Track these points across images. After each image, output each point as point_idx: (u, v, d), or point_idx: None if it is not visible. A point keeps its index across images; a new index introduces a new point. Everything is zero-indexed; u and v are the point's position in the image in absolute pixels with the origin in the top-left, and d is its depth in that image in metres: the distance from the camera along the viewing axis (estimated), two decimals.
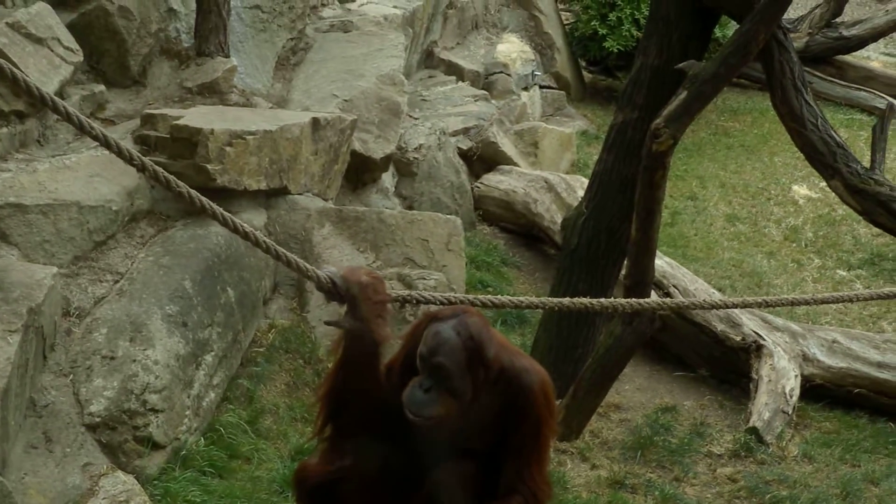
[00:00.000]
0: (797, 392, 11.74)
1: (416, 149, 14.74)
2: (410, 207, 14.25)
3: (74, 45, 10.52)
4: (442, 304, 5.49)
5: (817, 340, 12.48)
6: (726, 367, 12.42)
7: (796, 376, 11.87)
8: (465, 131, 16.18)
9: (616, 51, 20.84)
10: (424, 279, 11.08)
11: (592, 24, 21.12)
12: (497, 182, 15.71)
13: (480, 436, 4.85)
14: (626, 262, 10.24)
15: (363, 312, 4.67)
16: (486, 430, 4.84)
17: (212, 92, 11.90)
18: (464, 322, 4.76)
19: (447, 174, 15.15)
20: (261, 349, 10.32)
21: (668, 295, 12.34)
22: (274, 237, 10.82)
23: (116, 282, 9.20)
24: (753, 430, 11.13)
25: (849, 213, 14.95)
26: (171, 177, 4.41)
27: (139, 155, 4.33)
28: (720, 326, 12.27)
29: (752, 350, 12.06)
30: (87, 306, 8.89)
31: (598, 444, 10.85)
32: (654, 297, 10.81)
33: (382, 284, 4.81)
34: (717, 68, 9.21)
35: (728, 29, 17.85)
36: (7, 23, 9.69)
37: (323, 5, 16.42)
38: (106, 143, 4.26)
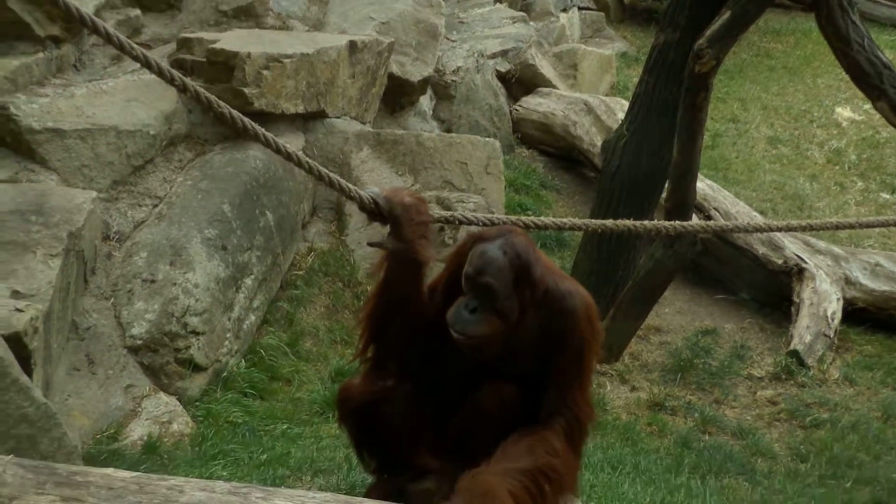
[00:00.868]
0: (839, 315, 11.69)
1: (453, 71, 14.64)
2: (449, 130, 14.18)
3: None
4: (484, 224, 5.45)
5: (860, 264, 12.40)
6: (767, 291, 12.35)
7: (838, 299, 11.80)
8: (504, 53, 16.03)
9: None
10: (463, 202, 11.03)
11: None
12: (536, 105, 15.59)
13: (523, 358, 4.82)
14: (667, 184, 10.16)
15: (406, 233, 4.63)
16: (529, 352, 4.81)
17: (247, 15, 11.80)
18: (510, 241, 4.71)
19: (485, 97, 15.05)
20: (300, 272, 10.32)
21: (708, 218, 12.26)
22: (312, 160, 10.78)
23: (155, 206, 9.20)
24: (794, 353, 11.10)
25: (893, 135, 14.90)
26: (213, 97, 4.36)
27: (180, 76, 4.28)
28: (762, 249, 12.19)
29: (794, 273, 12.00)
30: (126, 230, 8.90)
31: (638, 366, 10.85)
32: (694, 219, 10.74)
33: (425, 205, 4.76)
34: None
35: None
36: None
37: None
38: (147, 64, 4.20)
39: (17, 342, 6.38)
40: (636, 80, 11.84)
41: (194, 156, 9.91)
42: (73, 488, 4.18)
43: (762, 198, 14.98)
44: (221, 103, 4.40)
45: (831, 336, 11.48)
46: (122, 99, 9.39)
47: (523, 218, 5.70)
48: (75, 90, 9.25)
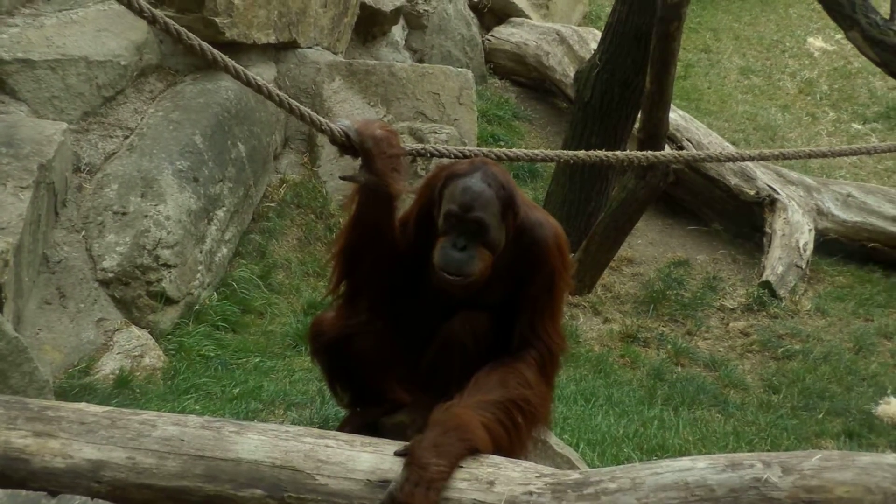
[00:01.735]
0: (811, 246, 11.75)
1: (426, 1, 14.52)
2: (421, 61, 14.11)
3: None
4: (456, 157, 5.41)
5: (832, 194, 12.44)
6: (740, 221, 12.39)
7: (810, 230, 11.86)
8: None
9: None
10: (436, 133, 10.99)
11: None
12: (508, 35, 15.51)
13: (494, 288, 4.80)
14: (639, 115, 10.15)
15: (378, 166, 4.58)
16: (500, 282, 4.78)
17: None
18: (490, 173, 4.68)
19: (458, 27, 14.96)
20: (272, 204, 10.29)
21: (681, 148, 12.27)
22: (284, 91, 10.70)
23: (126, 137, 9.13)
24: (766, 285, 11.15)
25: (865, 65, 14.89)
26: (182, 29, 4.30)
27: (149, 7, 4.20)
28: (734, 180, 12.21)
29: (766, 204, 12.04)
30: (97, 162, 8.83)
31: (611, 298, 10.88)
32: (667, 150, 10.73)
33: (397, 138, 4.71)
34: None
35: None
36: None
37: None
38: None
39: None
40: (609, 9, 11.81)
41: (165, 86, 9.82)
42: (45, 423, 4.17)
43: (734, 128, 15.01)
44: (192, 35, 4.34)
45: (803, 267, 11.53)
46: (92, 29, 9.29)
47: (496, 150, 5.67)
48: (45, 20, 9.14)
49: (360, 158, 4.65)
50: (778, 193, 12.04)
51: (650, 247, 12.11)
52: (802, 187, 12.36)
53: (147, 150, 8.94)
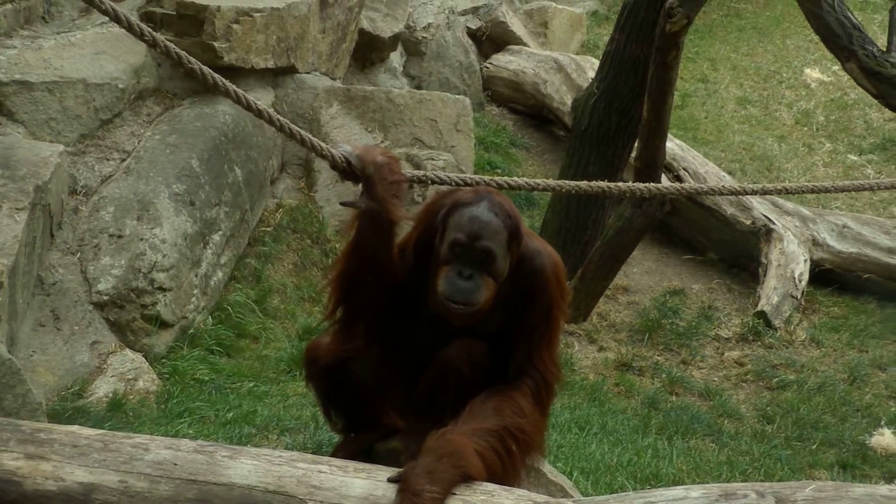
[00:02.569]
0: (806, 277, 11.76)
1: (424, 28, 14.57)
2: (419, 87, 14.13)
3: None
4: (458, 184, 5.41)
5: (827, 225, 12.46)
6: (735, 251, 12.40)
7: (806, 261, 11.87)
8: (475, 10, 16.01)
9: None
10: (433, 159, 11.00)
11: None
12: (506, 62, 15.54)
13: (491, 316, 4.80)
14: (636, 143, 10.17)
15: (378, 192, 4.57)
16: (497, 310, 4.78)
17: None
18: (496, 202, 4.68)
19: (456, 54, 15.00)
20: (268, 229, 10.29)
21: (678, 178, 12.27)
22: (282, 117, 10.72)
23: (123, 160, 9.13)
24: (762, 314, 11.16)
25: (861, 96, 14.91)
26: (183, 53, 4.30)
27: (150, 30, 4.21)
28: (730, 210, 12.22)
29: (762, 234, 12.04)
30: (93, 185, 8.83)
31: (606, 326, 10.87)
32: (664, 180, 10.75)
33: (398, 164, 4.71)
34: None
35: None
36: None
37: None
38: (116, 18, 4.14)
39: None
40: (607, 38, 11.83)
41: (163, 110, 9.83)
42: (37, 445, 4.16)
43: (731, 158, 15.03)
44: (192, 59, 4.35)
45: (798, 297, 11.54)
46: (90, 52, 9.31)
47: (497, 178, 5.68)
48: (43, 42, 9.16)
49: (360, 184, 4.65)
50: (774, 224, 12.05)
51: (646, 275, 12.11)
52: (798, 218, 12.37)
53: (143, 174, 8.93)
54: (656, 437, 8.40)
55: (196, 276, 8.91)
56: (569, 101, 13.14)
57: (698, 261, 12.55)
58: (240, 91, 4.51)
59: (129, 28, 4.13)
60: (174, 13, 10.07)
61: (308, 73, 11.54)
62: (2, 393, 6.00)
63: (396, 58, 14.14)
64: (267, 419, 7.28)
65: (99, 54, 9.33)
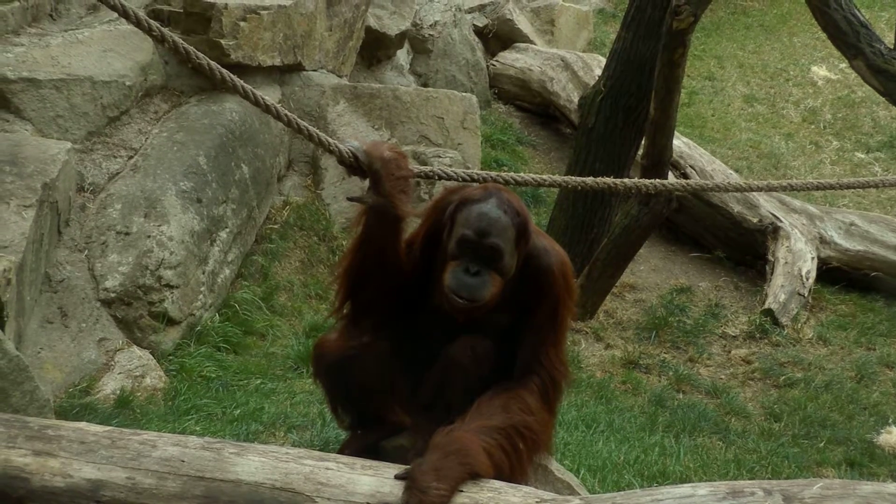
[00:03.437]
0: (813, 274, 11.74)
1: (431, 25, 14.57)
2: (425, 85, 14.13)
3: None
4: (465, 180, 5.41)
5: (835, 223, 12.44)
6: (742, 249, 12.39)
7: (813, 259, 11.85)
8: (481, 8, 15.99)
9: None
10: (440, 157, 11.00)
11: None
12: (513, 60, 15.54)
13: (498, 313, 4.80)
14: (643, 141, 10.16)
15: (386, 188, 4.57)
16: (504, 307, 4.78)
17: None
18: (505, 199, 4.69)
19: (462, 52, 14.99)
20: (275, 226, 10.29)
21: (684, 175, 12.27)
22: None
23: (130, 157, 9.13)
24: (769, 312, 11.14)
25: (868, 94, 14.89)
26: (191, 48, 4.30)
27: (158, 26, 4.21)
28: (737, 208, 12.21)
29: (769, 232, 12.03)
30: (101, 182, 8.83)
31: (613, 324, 10.87)
32: (671, 177, 10.74)
33: (405, 160, 4.71)
34: None
35: None
36: None
37: None
38: (124, 14, 4.14)
39: None
40: (613, 36, 11.83)
41: (170, 107, 9.83)
42: (45, 442, 4.16)
43: (738, 156, 15.01)
44: (200, 54, 4.35)
45: (805, 295, 11.53)
46: (98, 49, 9.30)
47: (503, 174, 5.66)
48: (51, 40, 9.16)
49: (367, 180, 4.64)
50: (781, 221, 12.04)
51: (653, 273, 12.10)
52: (805, 215, 12.36)
53: (151, 171, 8.94)
54: (663, 435, 8.39)
55: (203, 273, 8.91)
56: (575, 99, 13.13)
57: (705, 258, 12.54)
58: (247, 86, 4.51)
59: (138, 24, 4.14)
60: (181, 11, 10.06)
61: (315, 70, 11.55)
62: (10, 390, 6.01)
63: (403, 55, 14.15)
64: (274, 416, 7.28)
65: (106, 52, 9.33)
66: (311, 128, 4.79)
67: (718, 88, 17.43)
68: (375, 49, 13.35)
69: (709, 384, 9.96)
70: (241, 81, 4.50)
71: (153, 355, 8.24)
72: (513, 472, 4.43)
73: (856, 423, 9.38)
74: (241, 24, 10.07)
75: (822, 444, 8.83)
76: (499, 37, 16.00)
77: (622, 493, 4.02)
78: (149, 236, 8.52)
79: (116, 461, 4.09)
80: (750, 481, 3.84)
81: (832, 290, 12.05)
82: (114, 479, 4.05)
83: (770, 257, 11.86)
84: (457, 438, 4.22)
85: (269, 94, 10.61)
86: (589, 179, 6.06)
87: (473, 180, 5.39)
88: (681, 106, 10.93)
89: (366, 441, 5.15)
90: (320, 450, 5.11)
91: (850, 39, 9.69)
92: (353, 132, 11.00)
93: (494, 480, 4.15)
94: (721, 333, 10.99)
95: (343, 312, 4.99)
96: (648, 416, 8.93)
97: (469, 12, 15.66)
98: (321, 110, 11.24)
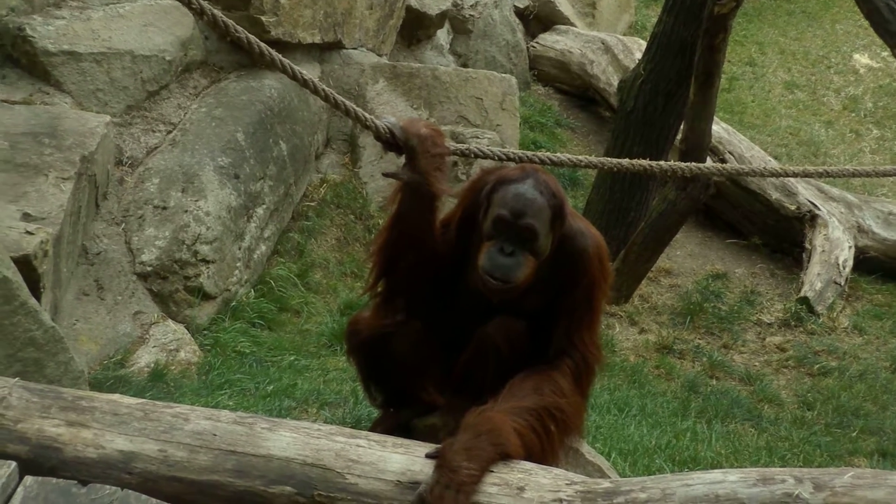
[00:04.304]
0: (850, 263, 11.68)
1: (472, 6, 14.53)
2: (465, 65, 14.10)
3: None
4: (500, 159, 5.40)
5: (873, 212, 12.36)
6: (779, 236, 12.33)
7: (850, 247, 11.78)
8: None
9: None
10: (478, 137, 10.98)
11: None
12: (553, 42, 15.50)
13: (533, 295, 4.78)
14: (682, 126, 10.12)
15: (421, 165, 4.57)
16: (538, 289, 4.76)
17: None
18: (542, 180, 4.66)
19: (503, 32, 14.96)
20: (312, 203, 10.31)
21: (723, 161, 12.21)
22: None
23: (169, 132, 9.16)
24: (804, 300, 11.09)
25: None
26: (231, 22, 4.30)
27: (198, 0, 4.21)
28: (775, 195, 12.15)
29: (807, 219, 11.97)
30: (139, 156, 8.87)
31: (648, 308, 10.84)
32: (709, 162, 10.70)
33: (441, 137, 4.69)
34: None
35: None
36: None
37: None
38: None
39: (26, 265, 6.36)
40: (654, 19, 11.78)
41: (209, 83, 9.86)
42: (79, 413, 4.18)
43: (777, 143, 14.93)
44: (239, 28, 4.35)
45: (842, 284, 11.47)
46: (138, 23, 9.33)
47: (539, 154, 5.65)
48: (92, 13, 9.17)
49: (403, 156, 4.64)
50: (819, 209, 11.98)
51: (689, 258, 12.07)
52: (844, 204, 12.29)
53: (189, 146, 8.97)
54: (695, 421, 8.38)
55: (239, 249, 8.94)
56: (615, 82, 13.08)
57: (742, 245, 12.49)
58: (286, 61, 4.51)
59: None
60: None
61: (355, 48, 11.55)
62: (44, 360, 6.04)
63: (443, 35, 14.11)
64: (307, 393, 7.30)
65: (147, 26, 9.35)
66: (347, 103, 4.78)
67: (759, 74, 17.33)
68: (415, 28, 13.33)
69: (742, 371, 9.93)
70: (280, 56, 4.50)
71: (188, 329, 8.28)
72: (543, 453, 4.42)
73: (889, 413, 9.33)
74: (282, 0, 10.07)
75: (854, 434, 8.80)
76: (539, 18, 15.97)
77: (652, 477, 4.00)
78: (186, 211, 8.55)
79: (149, 433, 4.10)
80: (781, 469, 3.83)
81: (868, 280, 11.98)
82: (146, 451, 4.06)
83: (807, 245, 11.80)
84: (488, 419, 4.22)
85: (309, 72, 10.54)
86: (625, 161, 6.03)
87: (509, 159, 5.38)
88: (721, 91, 10.90)
89: (397, 419, 5.16)
90: (352, 427, 5.13)
91: (892, 27, 9.61)
92: (392, 111, 11.00)
93: (525, 462, 4.14)
94: (756, 320, 10.96)
95: (377, 290, 4.99)
96: (681, 401, 8.92)
97: None
98: (360, 89, 11.25)
